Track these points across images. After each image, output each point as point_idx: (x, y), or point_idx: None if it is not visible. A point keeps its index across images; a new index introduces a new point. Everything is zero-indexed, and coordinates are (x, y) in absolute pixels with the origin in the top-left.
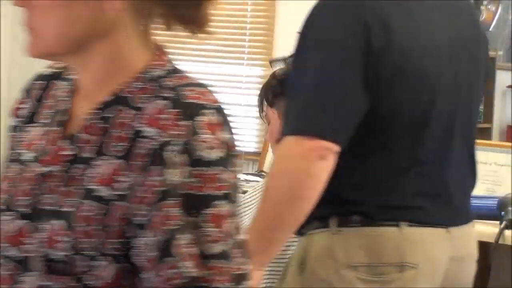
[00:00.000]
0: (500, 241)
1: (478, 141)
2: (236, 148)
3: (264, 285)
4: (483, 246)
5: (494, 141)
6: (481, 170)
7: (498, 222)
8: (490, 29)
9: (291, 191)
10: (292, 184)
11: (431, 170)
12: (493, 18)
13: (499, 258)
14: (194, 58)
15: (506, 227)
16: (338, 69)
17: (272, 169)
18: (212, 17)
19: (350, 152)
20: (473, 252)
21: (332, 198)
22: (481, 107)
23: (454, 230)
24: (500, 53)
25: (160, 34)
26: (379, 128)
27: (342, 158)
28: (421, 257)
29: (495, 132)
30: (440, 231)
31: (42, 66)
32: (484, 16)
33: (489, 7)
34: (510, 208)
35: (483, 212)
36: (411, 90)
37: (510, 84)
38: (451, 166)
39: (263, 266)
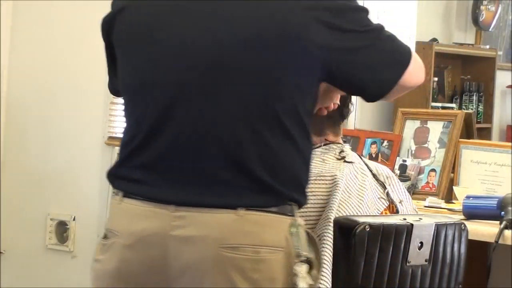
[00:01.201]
0: (500, 241)
1: (478, 141)
2: None
3: None
4: (483, 246)
5: (494, 141)
6: (481, 170)
7: (498, 222)
8: (490, 29)
9: None
10: None
11: (152, 145)
12: (493, 18)
13: (499, 258)
14: None
15: (506, 227)
16: None
17: None
18: None
19: None
20: (212, 235)
21: None
22: (481, 107)
23: (183, 210)
24: (500, 53)
25: None
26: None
27: None
28: (124, 227)
29: (495, 132)
30: (155, 206)
31: (42, 66)
32: (484, 16)
33: (489, 7)
34: (510, 208)
35: (483, 212)
36: (132, 64)
37: (510, 84)
38: (179, 146)
39: None
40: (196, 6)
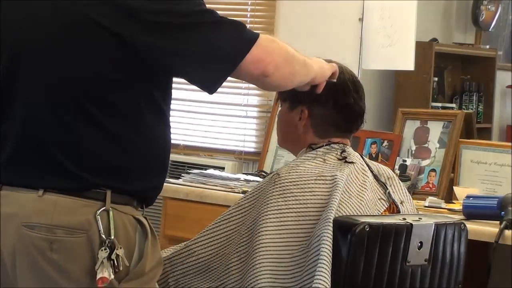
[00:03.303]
0: (500, 241)
1: (478, 141)
2: None
3: None
4: (483, 246)
5: (494, 141)
6: (481, 170)
7: (498, 222)
8: (490, 29)
9: None
10: None
11: None
12: (493, 18)
13: (499, 258)
14: None
15: (506, 227)
16: None
17: None
18: None
19: None
20: (17, 213)
21: None
22: (481, 107)
23: (5, 188)
24: (500, 53)
25: None
26: None
27: None
28: None
29: (495, 132)
30: None
31: None
32: (484, 16)
33: (489, 7)
34: (510, 208)
35: (483, 212)
36: None
37: (510, 84)
38: (7, 130)
39: None
40: None
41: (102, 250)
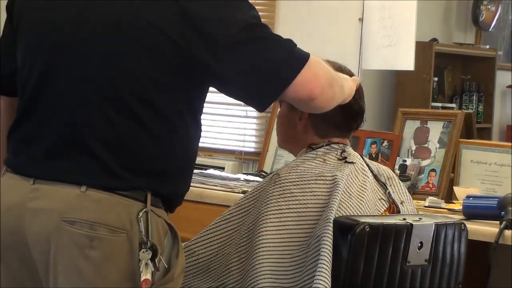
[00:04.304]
0: (500, 241)
1: (478, 141)
2: None
3: None
4: (483, 246)
5: (494, 141)
6: (481, 170)
7: (498, 222)
8: (490, 29)
9: None
10: None
11: (25, 121)
12: (493, 18)
13: (499, 258)
14: None
15: (506, 227)
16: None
17: None
18: None
19: None
20: (56, 208)
21: None
22: (481, 107)
23: (39, 183)
24: (500, 53)
25: None
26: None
27: None
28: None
29: (495, 132)
30: (20, 179)
31: None
32: (484, 16)
33: (489, 7)
34: (510, 208)
35: (483, 212)
36: (22, 48)
37: (510, 84)
38: (45, 123)
39: None
40: None
41: (143, 252)
